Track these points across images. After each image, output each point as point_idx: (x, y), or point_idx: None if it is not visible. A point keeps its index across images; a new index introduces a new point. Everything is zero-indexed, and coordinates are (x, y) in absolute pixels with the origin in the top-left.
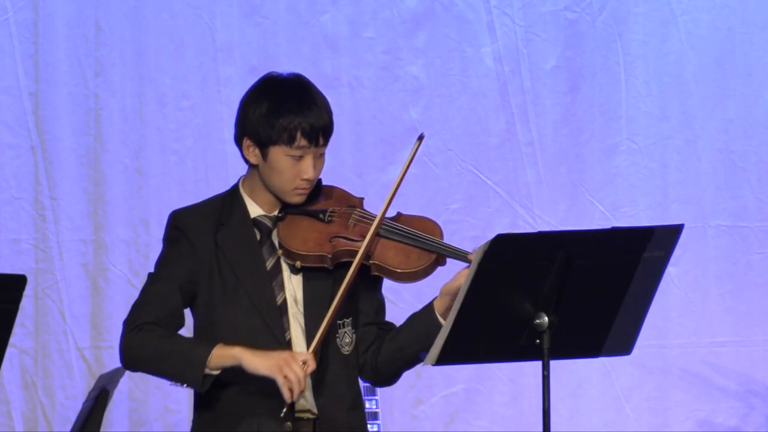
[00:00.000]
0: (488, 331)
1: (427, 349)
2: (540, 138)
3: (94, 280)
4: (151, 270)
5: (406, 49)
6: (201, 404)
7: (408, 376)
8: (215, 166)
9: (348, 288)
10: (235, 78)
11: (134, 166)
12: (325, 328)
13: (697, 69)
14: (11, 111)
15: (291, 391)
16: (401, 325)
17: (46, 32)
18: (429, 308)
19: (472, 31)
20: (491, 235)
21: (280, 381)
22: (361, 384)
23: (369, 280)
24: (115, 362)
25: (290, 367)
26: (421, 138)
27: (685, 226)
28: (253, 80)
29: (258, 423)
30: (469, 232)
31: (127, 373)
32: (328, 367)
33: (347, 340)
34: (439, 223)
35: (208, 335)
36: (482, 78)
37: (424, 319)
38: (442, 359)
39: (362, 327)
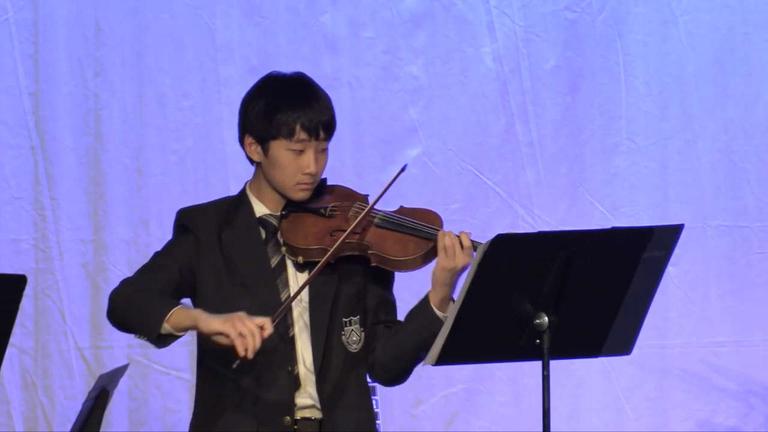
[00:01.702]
0: (488, 331)
1: (428, 343)
2: (540, 138)
3: (94, 280)
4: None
5: (406, 49)
6: (200, 404)
7: None
8: (215, 166)
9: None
10: (234, 78)
11: (134, 166)
12: (292, 297)
13: (697, 69)
14: (11, 111)
15: (244, 346)
16: (402, 322)
17: (46, 32)
18: (425, 301)
19: (471, 31)
20: (491, 235)
21: (233, 334)
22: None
23: (378, 280)
24: (116, 362)
25: (243, 322)
26: (403, 169)
27: (685, 226)
28: (253, 80)
29: (257, 423)
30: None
31: (127, 373)
32: (332, 364)
33: (354, 338)
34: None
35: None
36: (482, 78)
37: (421, 313)
38: (442, 359)
39: (370, 326)
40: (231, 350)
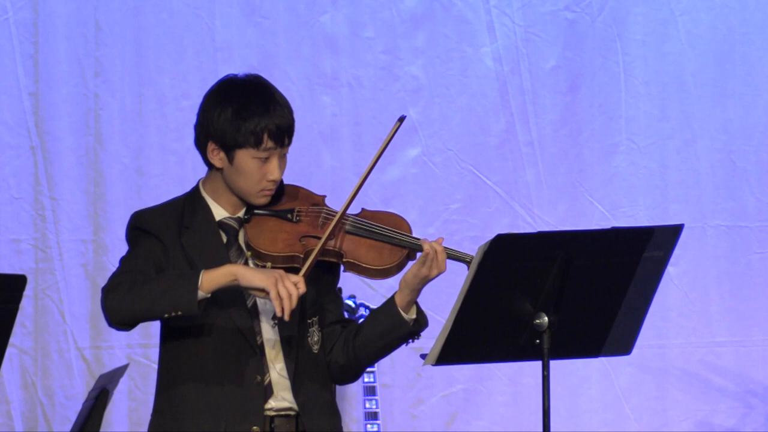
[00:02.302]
0: (488, 331)
1: (392, 345)
2: (539, 138)
3: (93, 280)
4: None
5: (406, 49)
6: (161, 405)
7: (408, 376)
8: None
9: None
10: None
11: (134, 166)
12: (313, 258)
13: (696, 69)
14: (11, 111)
15: (282, 306)
16: (363, 322)
17: (45, 32)
18: (390, 303)
19: (471, 31)
20: (491, 235)
21: (273, 294)
22: (362, 384)
23: (329, 277)
24: (115, 362)
25: (284, 282)
26: (401, 119)
27: (685, 226)
28: None
29: (224, 423)
30: (469, 232)
31: (127, 373)
32: (304, 366)
33: (315, 339)
34: (439, 223)
35: (180, 339)
36: (482, 78)
37: (386, 314)
38: (442, 359)
39: (327, 326)
40: (198, 347)
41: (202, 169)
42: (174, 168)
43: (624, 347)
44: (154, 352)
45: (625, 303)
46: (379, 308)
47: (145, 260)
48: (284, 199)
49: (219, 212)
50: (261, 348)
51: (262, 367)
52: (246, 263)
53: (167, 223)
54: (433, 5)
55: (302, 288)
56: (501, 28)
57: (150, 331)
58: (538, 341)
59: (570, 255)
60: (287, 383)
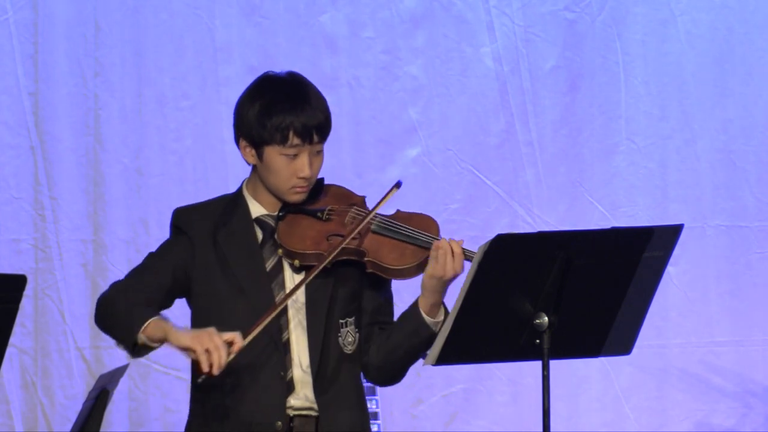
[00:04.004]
0: (488, 331)
1: (417, 348)
2: (539, 138)
3: (93, 280)
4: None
5: (405, 49)
6: (193, 410)
7: (408, 375)
8: (214, 166)
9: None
10: (234, 78)
11: (134, 166)
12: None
13: (696, 69)
14: (11, 111)
15: (209, 362)
16: (393, 325)
17: (45, 32)
18: (414, 306)
19: (471, 31)
20: (491, 235)
21: (199, 350)
22: (364, 384)
23: (374, 280)
24: (115, 362)
25: (210, 338)
26: (398, 185)
27: (685, 226)
28: (252, 80)
29: (250, 417)
30: (469, 232)
31: (127, 373)
32: (329, 365)
33: (350, 339)
34: (439, 223)
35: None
36: (481, 78)
37: (411, 318)
38: (442, 359)
39: (365, 326)
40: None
41: (203, 169)
42: (174, 168)
43: (624, 347)
44: (154, 352)
45: (625, 303)
46: (405, 311)
47: (154, 274)
48: (321, 198)
49: (257, 210)
50: (286, 345)
51: (285, 364)
52: (279, 260)
53: (204, 220)
54: (433, 5)
55: (238, 345)
56: (501, 28)
57: None
58: (538, 341)
59: (570, 255)
60: (310, 380)
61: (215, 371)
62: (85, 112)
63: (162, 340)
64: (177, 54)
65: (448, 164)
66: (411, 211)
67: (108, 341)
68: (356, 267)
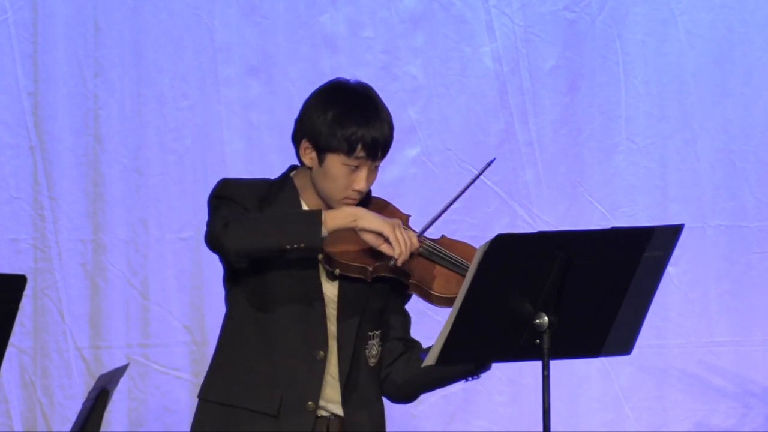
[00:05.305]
0: (488, 331)
1: (448, 377)
2: (539, 138)
3: (92, 280)
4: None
5: (405, 49)
6: (219, 367)
7: None
8: (214, 166)
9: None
10: (234, 78)
11: (133, 166)
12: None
13: (696, 69)
14: (10, 111)
15: (400, 250)
16: (421, 347)
17: (45, 32)
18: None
19: (470, 31)
20: (491, 235)
21: (392, 237)
22: None
23: (399, 295)
24: (114, 362)
25: (401, 229)
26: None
27: (685, 226)
28: (252, 80)
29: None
30: (469, 232)
31: (127, 373)
32: (358, 376)
33: (374, 352)
34: (439, 223)
35: (258, 310)
36: (481, 78)
37: None
38: (442, 359)
39: (390, 341)
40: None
41: (201, 169)
42: (173, 168)
43: (624, 347)
44: (154, 352)
45: (625, 303)
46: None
47: (240, 209)
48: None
49: (302, 205)
50: (327, 334)
51: (325, 343)
52: (316, 263)
53: (250, 194)
54: (432, 5)
55: (416, 245)
56: (500, 28)
57: (149, 331)
58: (538, 341)
59: (570, 255)
60: (337, 386)
61: (400, 262)
62: (84, 112)
63: (344, 226)
64: (176, 54)
65: (448, 164)
66: (455, 238)
67: (107, 341)
68: (388, 282)
